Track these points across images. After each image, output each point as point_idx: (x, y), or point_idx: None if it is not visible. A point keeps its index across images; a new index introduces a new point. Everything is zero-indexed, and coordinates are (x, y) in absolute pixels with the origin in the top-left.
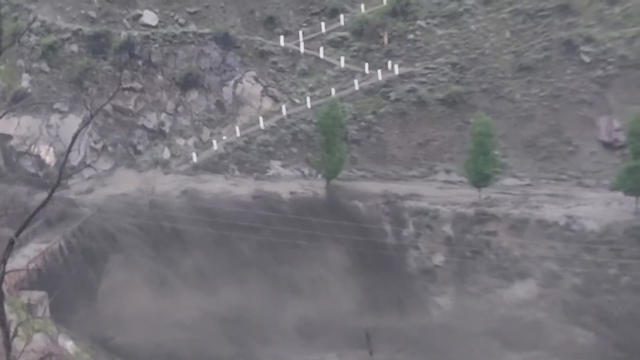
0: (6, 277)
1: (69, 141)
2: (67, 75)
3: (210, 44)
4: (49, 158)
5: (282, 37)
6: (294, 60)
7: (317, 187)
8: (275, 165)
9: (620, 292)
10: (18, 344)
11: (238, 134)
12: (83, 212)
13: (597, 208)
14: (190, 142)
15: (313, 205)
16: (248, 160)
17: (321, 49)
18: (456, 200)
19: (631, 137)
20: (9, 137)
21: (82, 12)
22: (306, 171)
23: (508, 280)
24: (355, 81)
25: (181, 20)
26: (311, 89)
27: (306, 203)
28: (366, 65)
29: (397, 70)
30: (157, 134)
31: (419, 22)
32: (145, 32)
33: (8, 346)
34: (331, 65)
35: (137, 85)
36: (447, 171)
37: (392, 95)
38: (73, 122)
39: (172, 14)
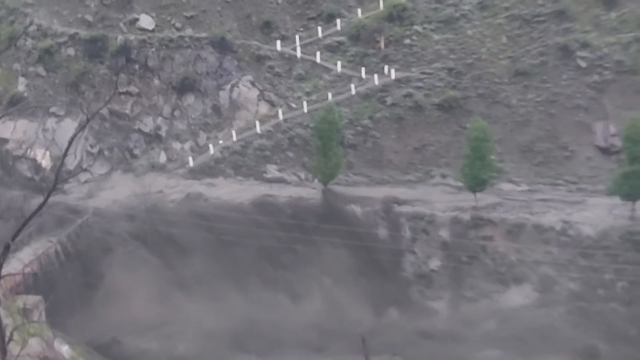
0: (2, 281)
1: (65, 145)
2: (64, 79)
3: (207, 48)
4: (45, 162)
5: (278, 42)
6: (291, 65)
7: (313, 191)
8: (272, 170)
9: (616, 297)
10: (14, 348)
11: (234, 138)
12: (79, 216)
13: (593, 213)
14: (187, 146)
15: (309, 209)
16: (244, 165)
17: (318, 53)
18: (452, 205)
19: (627, 143)
20: (5, 140)
21: (79, 16)
22: (303, 176)
23: (504, 285)
24: (352, 86)
25: (178, 25)
26: (308, 94)
27: (302, 208)
28: (363, 70)
29: (393, 75)
30: (154, 138)
31: (415, 27)
32: (142, 36)
33: (3, 350)
34: (328, 70)
35: (133, 89)
36: (444, 176)
37: (389, 100)
38: (69, 126)
39: (168, 18)
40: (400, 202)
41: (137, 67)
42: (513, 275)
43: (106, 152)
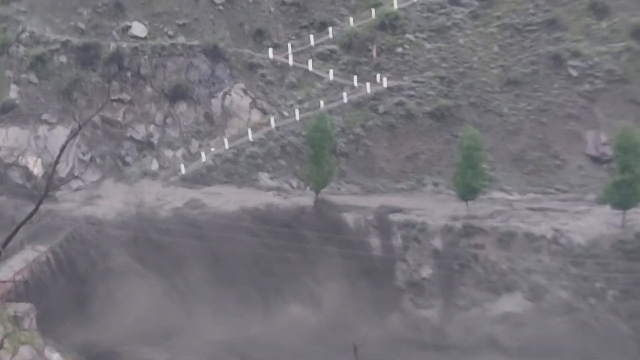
0: None
1: (57, 153)
2: (56, 87)
3: (199, 56)
4: (37, 169)
5: (270, 50)
6: (283, 73)
7: (305, 199)
8: (264, 178)
9: (606, 306)
10: (4, 356)
11: (226, 146)
12: (71, 224)
13: (584, 222)
14: (179, 153)
15: (301, 217)
16: (236, 173)
17: (310, 61)
18: (444, 213)
19: (618, 151)
20: None
21: (72, 23)
22: (295, 184)
23: (495, 293)
24: (344, 94)
25: (170, 33)
26: (300, 102)
27: (294, 216)
28: (355, 78)
29: (385, 84)
30: (146, 146)
31: (407, 35)
32: (134, 44)
33: None
34: (320, 78)
35: (125, 96)
36: (435, 184)
37: (381, 108)
38: (61, 133)
39: (161, 26)
40: (392, 211)
41: (129, 74)
42: (504, 284)
43: (98, 160)
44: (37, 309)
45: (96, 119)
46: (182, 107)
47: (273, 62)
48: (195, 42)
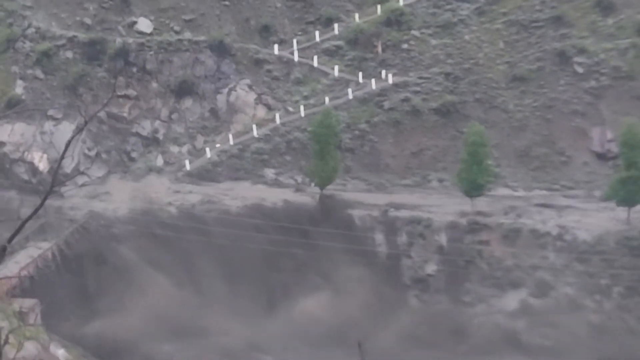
0: None
1: (63, 148)
2: (62, 82)
3: (205, 52)
4: (42, 165)
5: (276, 46)
6: (289, 69)
7: (310, 195)
8: (269, 174)
9: (611, 303)
10: (9, 351)
11: (232, 142)
12: (76, 219)
13: (589, 218)
14: (184, 149)
15: (306, 213)
16: (242, 168)
17: (315, 57)
18: (449, 209)
19: (623, 148)
20: (2, 143)
21: (78, 18)
22: (300, 180)
23: (500, 289)
24: (349, 90)
25: (176, 28)
26: (305, 98)
27: (300, 211)
28: (360, 74)
29: (391, 80)
30: (151, 141)
31: (413, 32)
32: (140, 40)
33: None
34: (325, 74)
35: (131, 92)
36: (441, 180)
37: (386, 105)
38: (67, 129)
39: (167, 22)
40: (397, 207)
41: (135, 70)
42: (509, 280)
43: (104, 155)
44: (43, 304)
45: (102, 114)
46: (187, 102)
47: (279, 58)
48: (201, 38)
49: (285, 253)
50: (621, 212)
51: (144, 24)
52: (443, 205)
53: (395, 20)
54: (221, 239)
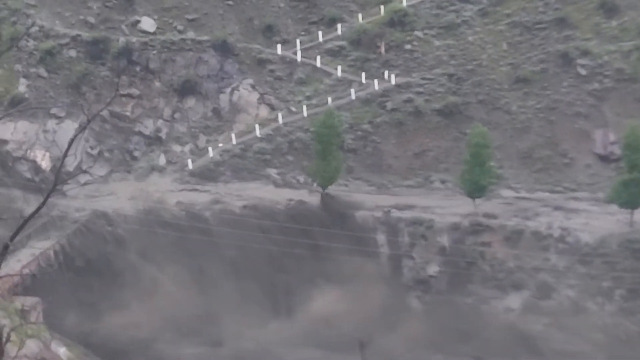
0: (0, 281)
1: (66, 146)
2: (65, 81)
3: (209, 51)
4: (45, 163)
5: (279, 46)
6: (291, 69)
7: (312, 195)
8: (271, 173)
9: (613, 305)
10: (11, 349)
11: (234, 142)
12: (78, 218)
13: (591, 220)
14: (187, 149)
15: (308, 213)
16: (244, 168)
17: (318, 57)
18: (451, 210)
19: (626, 150)
20: (5, 141)
21: (81, 17)
22: (302, 180)
23: (502, 291)
24: (352, 90)
25: (180, 27)
26: (308, 98)
27: (302, 212)
28: (363, 74)
29: (393, 80)
30: (154, 141)
31: (416, 32)
32: (144, 39)
33: (1, 351)
34: (328, 74)
35: (134, 91)
36: (443, 181)
37: (389, 105)
38: (70, 127)
39: (170, 21)
40: (400, 207)
41: (138, 69)
42: (511, 282)
43: (106, 154)
44: (44, 302)
45: (105, 113)
46: (190, 102)
47: (282, 58)
48: (205, 37)
49: (288, 254)
50: (624, 214)
51: (148, 23)
52: (445, 207)
53: (398, 20)
54: (223, 239)
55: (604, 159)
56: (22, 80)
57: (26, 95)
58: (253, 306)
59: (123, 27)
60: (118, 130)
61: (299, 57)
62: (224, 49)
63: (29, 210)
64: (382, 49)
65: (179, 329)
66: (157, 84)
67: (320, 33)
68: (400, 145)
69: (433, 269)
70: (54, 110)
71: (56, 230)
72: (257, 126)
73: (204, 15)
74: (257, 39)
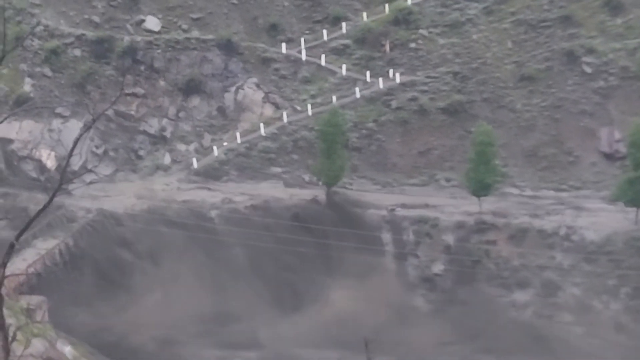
0: (5, 280)
1: (71, 146)
2: (70, 80)
3: (213, 50)
4: (50, 162)
5: (284, 44)
6: (296, 68)
7: (317, 194)
8: (276, 172)
9: (619, 304)
10: (17, 348)
11: (239, 140)
12: (83, 217)
13: (597, 219)
14: (192, 147)
15: (313, 212)
16: (249, 167)
17: (323, 56)
18: (456, 209)
19: (632, 148)
20: (10, 141)
21: (86, 17)
22: (307, 178)
23: (507, 289)
24: (357, 89)
25: (184, 26)
26: (312, 96)
27: (307, 210)
28: (368, 73)
29: (398, 79)
30: (159, 139)
31: (421, 31)
32: (148, 38)
33: (7, 350)
34: (333, 73)
35: (139, 90)
36: (448, 180)
37: (394, 104)
38: (75, 126)
39: (175, 20)
40: (404, 206)
41: (143, 68)
42: (516, 280)
43: (111, 153)
44: (50, 301)
45: (110, 112)
46: (195, 101)
47: (286, 57)
48: (209, 36)
49: (294, 253)
50: (629, 212)
51: (152, 22)
52: (450, 205)
53: (403, 19)
54: (229, 238)
55: (609, 157)
56: (27, 80)
57: (31, 95)
58: (263, 305)
59: (128, 26)
60: (123, 129)
61: (303, 56)
62: (228, 47)
63: (34, 209)
64: (387, 48)
65: (190, 329)
66: (162, 83)
67: (324, 32)
68: (405, 144)
69: (438, 268)
70: (59, 110)
71: (62, 229)
72: (261, 125)
73: (208, 14)
74: (262, 38)
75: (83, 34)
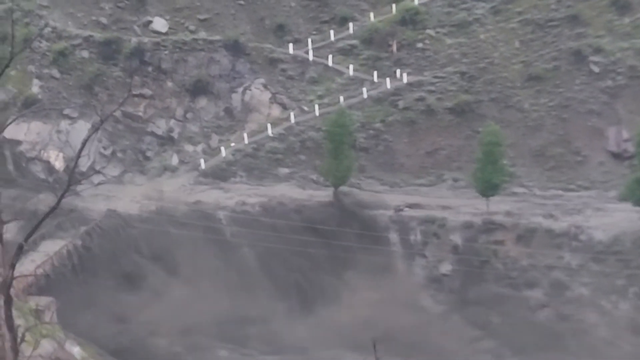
0: (14, 282)
1: (79, 147)
2: (78, 81)
3: (220, 51)
4: (59, 163)
5: (291, 45)
6: (303, 68)
7: (325, 195)
8: (284, 173)
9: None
10: (26, 349)
11: (246, 141)
12: (92, 218)
13: (605, 218)
14: (199, 148)
15: (321, 213)
16: (256, 167)
17: (330, 56)
18: (464, 209)
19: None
20: (18, 142)
21: (93, 18)
22: (314, 179)
23: (515, 289)
24: (364, 89)
25: (191, 27)
26: (320, 97)
27: (314, 211)
28: (375, 73)
29: (405, 79)
30: (166, 141)
31: (428, 31)
32: (156, 39)
33: (16, 351)
34: (340, 73)
35: (146, 91)
36: (455, 180)
37: (401, 104)
38: (83, 127)
39: (182, 21)
40: (412, 206)
41: (150, 69)
42: (524, 280)
43: (119, 154)
44: (58, 302)
45: (117, 113)
46: (202, 102)
47: (293, 57)
48: (216, 37)
49: (302, 253)
50: (637, 212)
51: (160, 24)
52: (458, 205)
53: (410, 19)
54: (237, 238)
55: (617, 156)
56: (35, 81)
57: (39, 96)
58: (277, 307)
59: (135, 27)
60: (131, 130)
61: (310, 56)
62: (235, 48)
63: (43, 210)
64: (394, 48)
65: (203, 332)
66: (170, 84)
67: (332, 32)
68: (412, 144)
69: (446, 268)
70: (67, 111)
71: (70, 230)
72: (269, 125)
73: (215, 15)
74: (269, 39)
75: (91, 36)
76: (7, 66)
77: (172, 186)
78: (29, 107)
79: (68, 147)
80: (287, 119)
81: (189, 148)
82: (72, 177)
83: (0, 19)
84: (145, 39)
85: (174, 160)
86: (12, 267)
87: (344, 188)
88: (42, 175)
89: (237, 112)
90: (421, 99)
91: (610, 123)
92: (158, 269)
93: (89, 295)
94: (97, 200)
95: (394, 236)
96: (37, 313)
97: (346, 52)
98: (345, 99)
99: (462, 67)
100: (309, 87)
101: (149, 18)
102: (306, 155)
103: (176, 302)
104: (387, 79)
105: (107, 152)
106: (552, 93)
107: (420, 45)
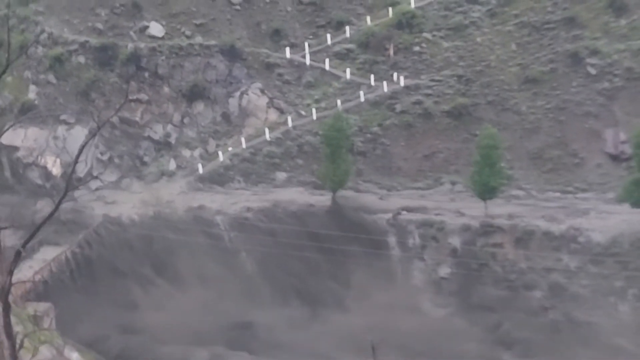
0: (12, 288)
1: (76, 153)
2: (74, 87)
3: (217, 56)
4: (56, 169)
5: (288, 49)
6: (300, 72)
7: (322, 199)
8: (281, 177)
9: (626, 305)
10: (24, 355)
11: (244, 146)
12: (90, 224)
13: (603, 220)
14: (196, 153)
15: (319, 217)
16: (254, 172)
17: (327, 60)
18: (462, 212)
19: (637, 150)
20: (15, 148)
21: (89, 24)
22: (312, 183)
23: (514, 292)
24: (361, 93)
25: (188, 33)
26: (317, 101)
27: (312, 215)
28: (372, 77)
29: (402, 82)
30: (163, 146)
31: (424, 34)
32: (152, 44)
33: (14, 357)
34: (337, 77)
35: (143, 96)
36: (453, 183)
37: (398, 107)
38: (80, 133)
39: (178, 26)
40: (410, 209)
41: (147, 74)
42: (523, 283)
43: (116, 160)
44: (57, 308)
45: (114, 119)
46: (199, 107)
47: (290, 62)
48: (213, 42)
49: (300, 257)
50: (635, 213)
51: (156, 29)
52: (456, 208)
53: (406, 22)
54: (235, 243)
55: (615, 158)
56: (32, 87)
57: (36, 102)
58: (278, 312)
59: (131, 33)
60: (128, 136)
61: (307, 61)
62: (232, 53)
63: (40, 216)
64: (391, 51)
65: (206, 337)
66: (166, 89)
67: (328, 36)
68: (409, 147)
69: (444, 271)
70: (63, 117)
71: (68, 236)
72: (266, 130)
73: (211, 20)
74: (265, 43)
75: (87, 41)
76: (3, 72)
77: (169, 191)
78: (26, 113)
79: (65, 153)
80: (285, 123)
81: (186, 153)
82: (70, 183)
83: None
84: (142, 45)
85: (172, 165)
86: (10, 273)
87: (342, 192)
88: (40, 181)
89: (234, 117)
90: (418, 103)
91: (608, 125)
92: (156, 275)
93: (87, 301)
94: (95, 206)
95: (392, 240)
96: (36, 319)
97: (343, 56)
98: (342, 103)
99: (458, 70)
100: (306, 92)
101: (145, 23)
102: (304, 159)
103: (176, 308)
104: (384, 83)
105: (104, 158)
106: (549, 95)
107: (416, 48)
